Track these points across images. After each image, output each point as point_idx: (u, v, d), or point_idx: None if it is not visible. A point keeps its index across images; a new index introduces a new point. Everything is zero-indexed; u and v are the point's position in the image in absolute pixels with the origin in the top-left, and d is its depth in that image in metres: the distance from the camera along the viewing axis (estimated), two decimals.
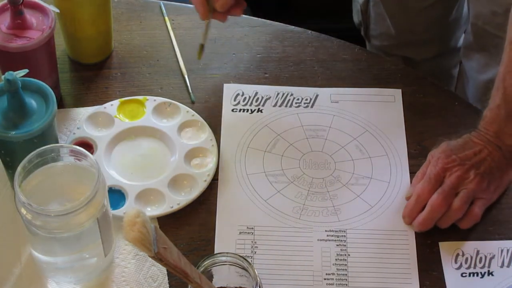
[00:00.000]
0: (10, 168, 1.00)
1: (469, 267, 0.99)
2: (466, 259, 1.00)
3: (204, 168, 1.08)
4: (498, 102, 1.04)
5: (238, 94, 1.17)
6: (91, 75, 1.20)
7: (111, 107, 1.14)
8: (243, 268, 0.88)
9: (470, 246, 1.01)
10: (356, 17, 1.57)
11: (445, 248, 1.01)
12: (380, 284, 0.99)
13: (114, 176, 1.07)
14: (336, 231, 1.03)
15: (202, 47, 1.16)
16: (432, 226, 1.02)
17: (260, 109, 1.16)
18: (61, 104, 1.15)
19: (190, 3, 1.30)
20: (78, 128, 1.11)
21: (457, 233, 1.02)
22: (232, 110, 1.15)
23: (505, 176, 1.05)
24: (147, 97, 1.15)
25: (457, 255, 1.00)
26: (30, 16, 1.06)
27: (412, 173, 1.09)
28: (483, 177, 1.02)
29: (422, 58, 1.55)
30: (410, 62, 1.54)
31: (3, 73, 1.00)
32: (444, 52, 1.56)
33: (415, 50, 1.53)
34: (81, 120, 1.12)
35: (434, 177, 1.03)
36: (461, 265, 1.00)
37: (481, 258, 1.00)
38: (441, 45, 1.54)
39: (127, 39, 1.25)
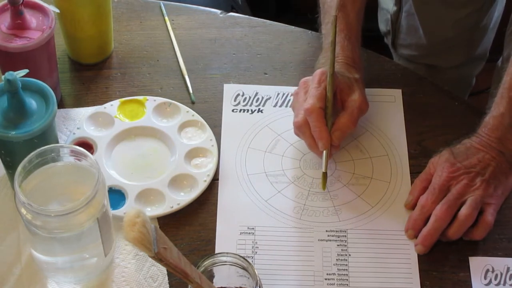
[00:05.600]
0: (10, 168, 1.00)
1: (498, 284, 0.99)
2: (496, 275, 1.00)
3: (204, 168, 1.08)
4: (502, 110, 1.05)
5: (238, 94, 1.17)
6: (91, 75, 1.20)
7: (111, 107, 1.14)
8: (243, 268, 0.88)
9: (500, 262, 1.00)
10: (384, 26, 1.57)
11: (475, 263, 1.00)
12: (381, 284, 0.99)
13: (114, 176, 1.06)
14: (336, 231, 1.03)
15: (325, 175, 1.05)
16: (436, 240, 1.01)
17: (261, 109, 1.16)
18: (61, 104, 1.15)
19: (190, 3, 1.31)
20: (78, 128, 1.11)
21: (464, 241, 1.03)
22: (233, 111, 1.15)
23: (509, 179, 1.05)
24: (147, 97, 1.15)
25: (487, 270, 1.00)
26: (30, 16, 1.06)
27: (412, 173, 1.09)
28: (489, 183, 1.02)
29: (448, 66, 1.55)
30: (434, 70, 1.54)
31: (3, 73, 1.00)
32: (470, 59, 1.56)
33: (443, 58, 1.53)
34: (81, 120, 1.12)
35: (438, 188, 1.02)
36: (490, 282, 0.99)
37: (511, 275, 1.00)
38: (469, 52, 1.54)
39: (127, 39, 1.25)
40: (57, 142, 1.02)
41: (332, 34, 1.07)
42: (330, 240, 1.02)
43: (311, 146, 1.06)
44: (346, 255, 1.01)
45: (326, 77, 1.07)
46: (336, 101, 1.07)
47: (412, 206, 1.05)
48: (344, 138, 1.07)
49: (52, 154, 0.91)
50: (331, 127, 1.05)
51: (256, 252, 1.01)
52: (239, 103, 1.16)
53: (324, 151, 1.04)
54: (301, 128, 1.06)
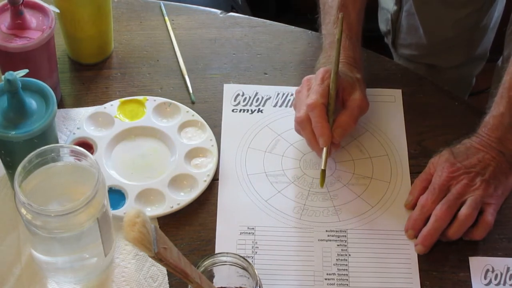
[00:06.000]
0: (10, 168, 1.00)
1: (498, 284, 0.99)
2: (496, 275, 1.00)
3: (204, 168, 1.08)
4: (502, 110, 1.05)
5: (238, 94, 1.17)
6: (91, 75, 1.20)
7: (111, 107, 1.14)
8: (243, 268, 0.88)
9: (500, 262, 1.00)
10: (384, 26, 1.56)
11: (475, 263, 1.00)
12: (380, 284, 0.98)
13: (114, 176, 1.06)
14: (336, 231, 1.03)
15: (323, 172, 1.04)
16: (436, 240, 1.01)
17: (260, 109, 1.16)
18: (61, 104, 1.15)
19: (190, 3, 1.31)
20: (78, 128, 1.11)
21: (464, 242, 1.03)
22: (232, 111, 1.15)
23: (510, 179, 1.05)
24: (147, 97, 1.15)
25: (487, 270, 1.00)
26: (30, 16, 1.06)
27: (412, 173, 1.09)
28: (489, 183, 1.02)
29: (448, 66, 1.55)
30: (434, 70, 1.54)
31: (3, 73, 1.00)
32: (470, 59, 1.56)
33: (443, 58, 1.53)
34: (81, 120, 1.12)
35: (438, 188, 1.02)
36: (490, 282, 0.99)
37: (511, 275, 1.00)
38: (469, 52, 1.54)
39: (127, 39, 1.25)
40: (57, 142, 1.02)
41: (338, 32, 1.07)
42: (330, 240, 1.02)
43: (311, 143, 1.06)
44: (346, 255, 1.01)
45: (329, 75, 1.07)
46: (338, 99, 1.08)
47: (412, 206, 1.05)
48: (345, 136, 1.07)
49: (52, 154, 0.91)
50: (332, 125, 1.05)
51: (256, 252, 1.01)
52: (239, 103, 1.16)
53: (324, 148, 1.04)
54: (302, 124, 1.06)
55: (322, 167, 1.04)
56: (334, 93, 1.06)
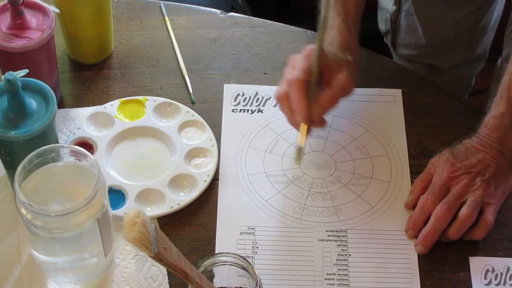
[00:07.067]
0: (10, 168, 1.00)
1: (498, 284, 0.99)
2: (496, 275, 1.00)
3: (204, 168, 1.08)
4: (502, 110, 1.05)
5: (238, 95, 1.17)
6: (91, 75, 1.20)
7: (111, 107, 1.14)
8: (244, 268, 0.88)
9: (500, 262, 1.00)
10: (383, 25, 1.56)
11: (475, 263, 1.00)
12: (381, 284, 0.99)
13: (114, 176, 1.07)
14: (336, 231, 1.03)
15: (300, 150, 1.03)
16: (436, 240, 1.01)
17: (261, 109, 1.16)
18: (61, 104, 1.15)
19: (190, 3, 1.30)
20: (78, 128, 1.11)
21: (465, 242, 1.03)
22: (233, 111, 1.15)
23: (510, 179, 1.05)
24: (147, 97, 1.15)
25: (487, 271, 1.00)
26: (30, 16, 1.06)
27: (413, 173, 1.09)
28: (489, 183, 1.02)
29: (447, 66, 1.55)
30: (434, 70, 1.54)
31: (3, 73, 1.00)
32: (470, 59, 1.56)
33: (442, 58, 1.53)
34: (81, 120, 1.12)
35: (438, 188, 1.02)
36: (490, 282, 0.99)
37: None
38: (468, 52, 1.54)
39: (127, 39, 1.25)
40: (57, 142, 1.02)
41: (324, 10, 1.04)
42: (330, 240, 1.02)
43: (289, 119, 1.04)
44: (346, 255, 1.01)
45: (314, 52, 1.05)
46: (323, 79, 1.04)
47: (412, 206, 1.05)
48: (324, 114, 1.04)
49: (52, 154, 0.91)
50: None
51: (256, 252, 1.01)
52: (239, 103, 1.16)
53: (302, 125, 1.01)
54: (280, 99, 1.03)
55: (299, 144, 1.02)
56: (317, 70, 1.03)
